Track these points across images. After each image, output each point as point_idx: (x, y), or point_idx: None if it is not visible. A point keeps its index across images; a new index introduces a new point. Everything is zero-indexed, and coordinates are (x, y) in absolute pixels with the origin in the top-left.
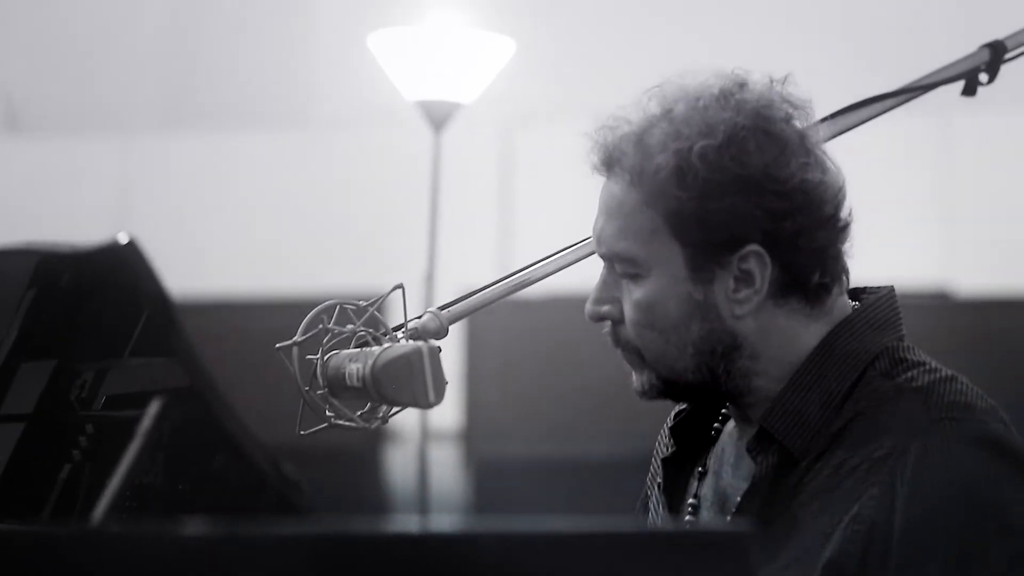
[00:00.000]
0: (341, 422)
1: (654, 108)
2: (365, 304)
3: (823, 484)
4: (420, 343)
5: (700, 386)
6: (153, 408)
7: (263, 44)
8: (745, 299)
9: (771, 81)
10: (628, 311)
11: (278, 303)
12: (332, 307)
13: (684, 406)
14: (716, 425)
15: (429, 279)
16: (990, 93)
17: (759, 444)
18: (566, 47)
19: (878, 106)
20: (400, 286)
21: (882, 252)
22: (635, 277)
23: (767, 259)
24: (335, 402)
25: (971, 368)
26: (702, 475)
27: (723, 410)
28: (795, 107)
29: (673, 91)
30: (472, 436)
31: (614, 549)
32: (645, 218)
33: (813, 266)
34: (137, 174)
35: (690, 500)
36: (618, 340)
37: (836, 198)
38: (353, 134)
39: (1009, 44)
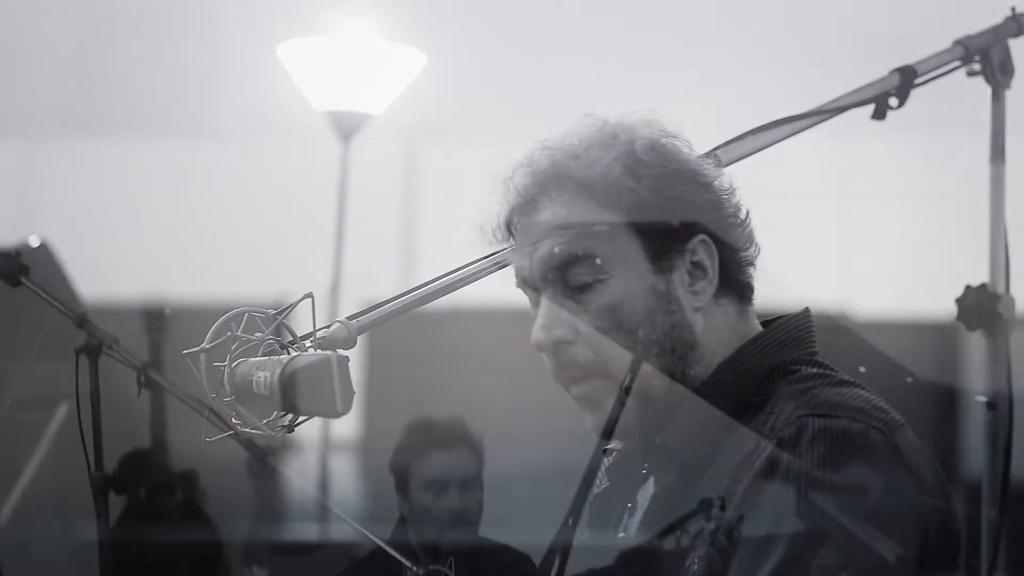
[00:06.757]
0: (247, 430)
1: (564, 142)
2: (274, 312)
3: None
4: (329, 352)
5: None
6: (60, 412)
7: (171, 51)
8: (701, 290)
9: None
10: (588, 321)
11: (184, 310)
12: (241, 314)
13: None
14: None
15: (334, 291)
16: None
17: (658, 459)
18: (477, 63)
19: (787, 128)
20: (310, 295)
21: None
22: (590, 286)
23: (713, 248)
24: (242, 410)
25: None
26: (631, 510)
27: None
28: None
29: (571, 130)
30: (370, 446)
31: None
32: (601, 220)
33: (742, 260)
34: (41, 179)
35: (620, 534)
36: (571, 362)
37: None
38: (261, 143)
39: (920, 69)
